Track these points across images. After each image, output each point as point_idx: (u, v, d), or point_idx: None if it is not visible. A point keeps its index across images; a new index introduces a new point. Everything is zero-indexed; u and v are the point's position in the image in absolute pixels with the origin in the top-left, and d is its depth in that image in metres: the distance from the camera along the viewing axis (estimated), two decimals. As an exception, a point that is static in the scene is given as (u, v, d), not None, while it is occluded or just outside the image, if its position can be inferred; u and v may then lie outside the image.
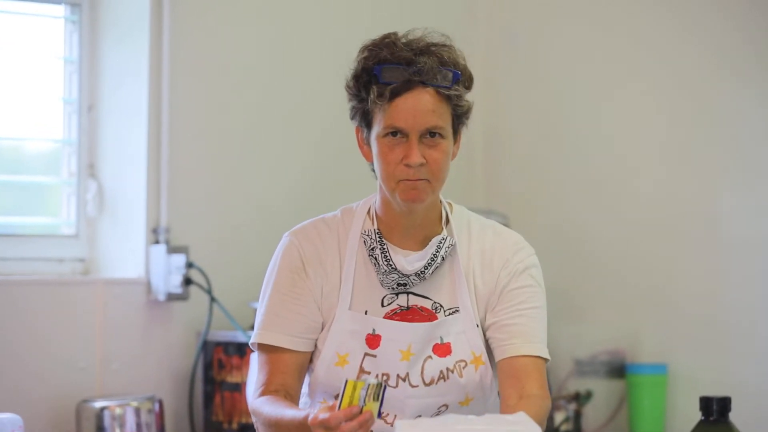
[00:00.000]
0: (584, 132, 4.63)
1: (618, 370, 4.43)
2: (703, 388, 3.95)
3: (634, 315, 4.45)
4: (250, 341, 2.55)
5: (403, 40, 2.46)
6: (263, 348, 2.52)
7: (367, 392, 2.22)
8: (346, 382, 2.22)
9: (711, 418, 2.32)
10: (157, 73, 4.06)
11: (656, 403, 4.31)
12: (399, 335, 2.47)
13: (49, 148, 4.18)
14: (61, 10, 4.13)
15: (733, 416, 2.33)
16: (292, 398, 2.50)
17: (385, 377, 2.47)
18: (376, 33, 2.54)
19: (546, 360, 2.50)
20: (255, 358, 3.83)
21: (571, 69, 4.67)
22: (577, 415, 4.32)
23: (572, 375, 4.50)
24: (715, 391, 2.65)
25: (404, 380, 2.47)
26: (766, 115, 4.19)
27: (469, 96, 2.50)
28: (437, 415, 2.49)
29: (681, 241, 4.35)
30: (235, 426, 3.93)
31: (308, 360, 2.53)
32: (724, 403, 2.32)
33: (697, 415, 2.34)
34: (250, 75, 4.29)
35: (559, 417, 4.29)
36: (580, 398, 4.34)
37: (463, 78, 2.47)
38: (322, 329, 2.52)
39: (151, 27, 4.05)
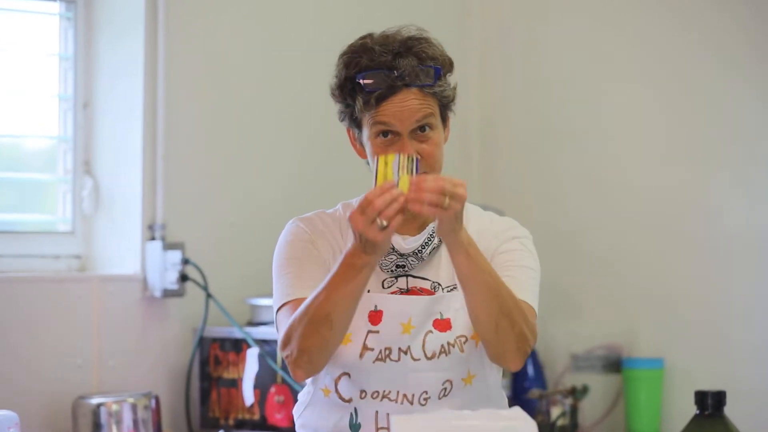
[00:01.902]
0: (580, 128, 4.63)
1: (614, 364, 4.44)
2: (699, 383, 3.95)
3: (630, 310, 4.46)
4: (279, 304, 2.51)
5: (380, 41, 2.49)
6: (289, 305, 2.50)
7: (399, 165, 2.31)
8: (377, 158, 2.34)
9: (706, 413, 2.32)
10: (152, 70, 4.06)
11: (652, 397, 4.31)
12: (399, 309, 2.51)
13: (45, 145, 4.18)
14: (56, 6, 4.13)
15: (728, 410, 2.34)
16: None
17: (387, 351, 2.50)
18: (370, 31, 2.55)
19: (535, 311, 2.51)
20: (252, 355, 3.84)
21: (568, 65, 4.67)
22: (574, 410, 4.33)
23: (569, 370, 4.51)
24: (711, 386, 2.65)
25: (406, 353, 2.50)
26: (764, 110, 4.20)
27: (452, 79, 2.54)
28: (443, 390, 2.51)
29: (677, 237, 4.36)
30: (231, 422, 3.93)
31: None
32: (719, 398, 2.32)
33: (693, 409, 2.34)
34: (245, 72, 4.29)
35: (555, 411, 4.29)
36: (577, 393, 4.35)
37: (444, 67, 2.51)
38: None
39: (146, 24, 4.05)
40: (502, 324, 2.42)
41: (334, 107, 2.59)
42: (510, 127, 4.82)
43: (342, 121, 2.56)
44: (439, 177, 2.32)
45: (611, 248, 4.52)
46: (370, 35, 2.52)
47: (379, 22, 2.62)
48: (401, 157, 2.34)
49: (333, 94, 2.55)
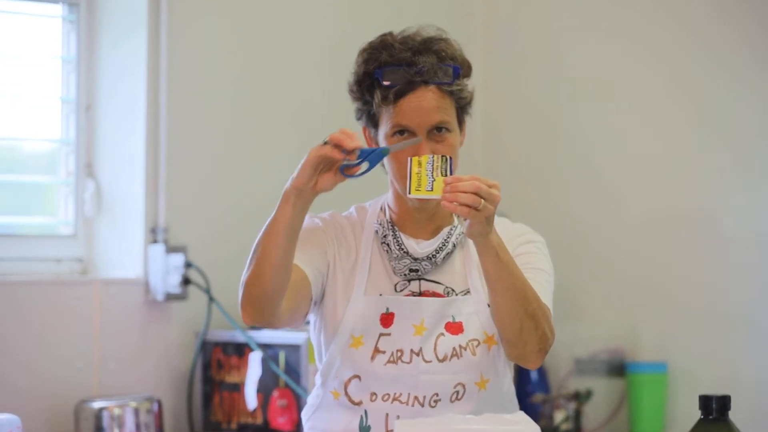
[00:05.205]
0: (583, 130, 4.63)
1: (618, 368, 4.43)
2: (703, 387, 3.96)
3: (633, 313, 4.45)
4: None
5: (400, 38, 2.51)
6: None
7: (433, 166, 2.32)
8: (410, 159, 2.34)
9: (710, 417, 2.31)
10: (154, 73, 4.06)
11: (656, 401, 4.31)
12: (412, 311, 2.52)
13: (47, 148, 4.17)
14: (59, 9, 4.13)
15: (733, 415, 2.33)
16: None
17: (399, 353, 2.50)
18: (372, 31, 2.56)
19: (551, 313, 2.54)
20: (255, 359, 3.83)
21: (570, 67, 4.67)
22: (578, 414, 4.32)
23: (572, 374, 4.50)
24: (715, 390, 2.65)
25: (417, 355, 2.51)
26: (764, 112, 4.19)
27: (470, 83, 2.56)
28: (455, 394, 2.52)
29: (680, 240, 4.35)
30: (234, 426, 3.93)
31: (306, 289, 2.50)
32: (724, 402, 2.31)
33: (697, 414, 2.33)
34: (247, 74, 4.28)
35: (559, 416, 4.28)
36: (580, 397, 4.34)
37: (463, 69, 2.53)
38: (329, 301, 2.54)
39: (148, 26, 4.05)
40: (526, 326, 2.44)
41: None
42: (513, 129, 4.82)
43: (359, 119, 2.56)
44: (475, 177, 2.32)
45: (614, 251, 4.51)
46: (390, 33, 2.53)
47: (380, 22, 2.63)
48: (435, 158, 2.34)
49: (351, 91, 2.55)
